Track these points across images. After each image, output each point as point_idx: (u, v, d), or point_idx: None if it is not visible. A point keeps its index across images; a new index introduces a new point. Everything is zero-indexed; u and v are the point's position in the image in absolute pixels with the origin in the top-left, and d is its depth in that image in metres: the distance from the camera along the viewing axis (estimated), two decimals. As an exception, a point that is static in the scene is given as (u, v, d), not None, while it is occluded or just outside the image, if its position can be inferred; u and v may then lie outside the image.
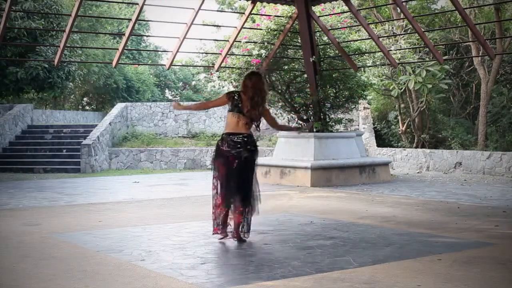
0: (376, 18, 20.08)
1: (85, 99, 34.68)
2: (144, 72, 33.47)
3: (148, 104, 21.28)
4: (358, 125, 18.95)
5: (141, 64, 33.54)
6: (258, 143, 6.42)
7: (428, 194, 10.80)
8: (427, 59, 17.38)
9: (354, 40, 14.05)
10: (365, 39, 14.24)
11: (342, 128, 14.99)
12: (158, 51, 31.61)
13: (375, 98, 20.71)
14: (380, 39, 14.05)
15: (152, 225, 7.22)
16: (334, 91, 13.83)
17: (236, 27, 13.51)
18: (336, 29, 13.67)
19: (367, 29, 12.83)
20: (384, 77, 18.37)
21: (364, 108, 19.24)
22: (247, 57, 13.58)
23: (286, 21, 13.53)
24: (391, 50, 15.11)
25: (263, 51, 13.40)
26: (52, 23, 20.22)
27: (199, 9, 12.30)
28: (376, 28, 18.07)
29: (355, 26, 14.94)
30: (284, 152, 13.34)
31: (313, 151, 12.66)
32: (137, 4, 12.06)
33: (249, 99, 6.11)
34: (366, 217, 7.79)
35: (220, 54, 13.71)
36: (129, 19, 13.39)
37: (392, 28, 18.58)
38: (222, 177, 6.15)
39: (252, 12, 13.36)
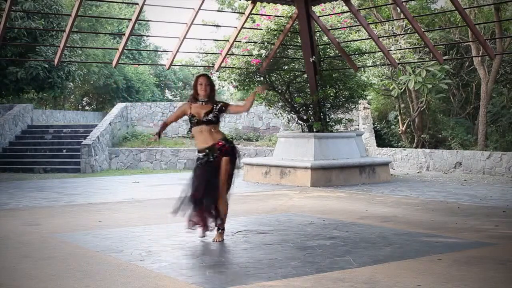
0: (376, 18, 20.06)
1: (85, 99, 34.69)
2: (144, 72, 33.49)
3: (148, 104, 21.29)
4: (358, 125, 18.94)
5: (141, 64, 33.54)
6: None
7: (428, 194, 10.80)
8: (427, 59, 17.37)
9: (354, 40, 14.04)
10: (365, 39, 14.23)
11: (342, 128, 14.99)
12: (158, 51, 31.58)
13: (375, 98, 20.70)
14: (380, 39, 14.04)
15: (152, 225, 7.22)
16: (334, 91, 13.82)
17: (236, 27, 13.50)
18: (336, 29, 13.66)
19: (367, 29, 12.82)
20: (384, 77, 18.37)
21: (364, 108, 19.23)
22: (247, 57, 13.57)
23: (286, 21, 13.52)
24: (391, 50, 15.10)
25: (263, 51, 13.39)
26: (52, 23, 20.23)
27: (199, 9, 12.29)
28: (376, 28, 18.06)
29: (355, 26, 14.92)
30: (284, 152, 13.34)
31: (313, 151, 12.66)
32: (137, 4, 12.05)
33: None
34: (366, 217, 7.79)
35: (220, 54, 13.71)
36: (129, 19, 13.37)
37: (392, 28, 18.58)
38: None
39: (252, 12, 13.35)
